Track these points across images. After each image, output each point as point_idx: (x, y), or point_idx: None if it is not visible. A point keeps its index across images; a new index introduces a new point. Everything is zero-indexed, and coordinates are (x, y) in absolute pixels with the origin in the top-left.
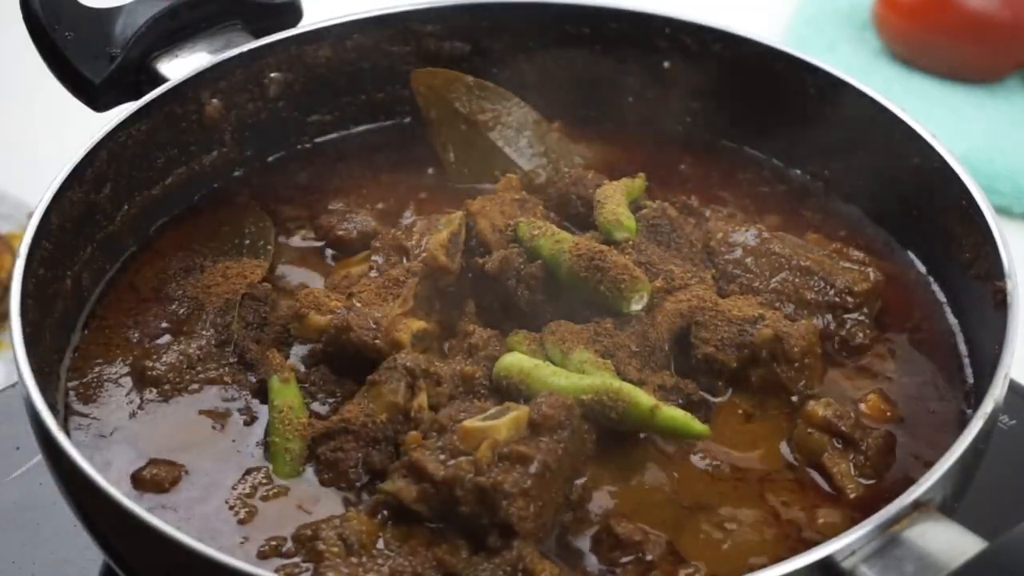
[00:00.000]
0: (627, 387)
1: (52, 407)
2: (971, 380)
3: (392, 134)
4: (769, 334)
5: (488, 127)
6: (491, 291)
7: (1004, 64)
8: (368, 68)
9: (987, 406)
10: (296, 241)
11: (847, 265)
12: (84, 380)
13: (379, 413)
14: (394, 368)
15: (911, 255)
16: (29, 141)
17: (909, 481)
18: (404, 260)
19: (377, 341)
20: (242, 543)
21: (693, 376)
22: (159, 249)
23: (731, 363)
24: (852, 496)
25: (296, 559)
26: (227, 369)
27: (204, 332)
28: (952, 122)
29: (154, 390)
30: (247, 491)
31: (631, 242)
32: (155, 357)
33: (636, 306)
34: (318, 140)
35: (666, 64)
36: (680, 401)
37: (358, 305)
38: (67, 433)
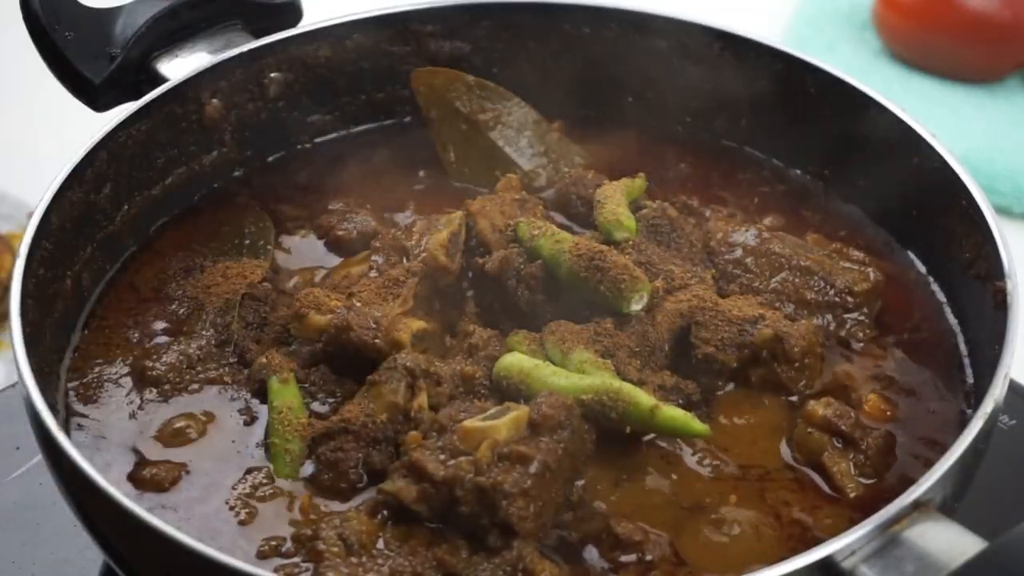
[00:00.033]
0: (627, 387)
1: (52, 407)
2: (971, 380)
3: (392, 134)
4: (769, 334)
5: (488, 127)
6: (491, 291)
7: (1004, 64)
8: (368, 68)
9: (987, 406)
10: (296, 241)
11: (847, 265)
12: (84, 380)
13: (379, 413)
14: (394, 368)
15: (911, 255)
16: (29, 141)
17: (909, 481)
18: (404, 260)
19: (377, 341)
20: (242, 543)
21: (693, 376)
22: (159, 249)
23: (731, 363)
24: (852, 496)
25: (296, 559)
26: (227, 369)
27: (204, 332)
28: (952, 122)
29: (154, 390)
30: (247, 491)
31: (631, 242)
32: (155, 357)
33: (636, 306)
34: (318, 140)
35: (665, 64)
36: (680, 401)
37: (358, 305)
38: (67, 433)
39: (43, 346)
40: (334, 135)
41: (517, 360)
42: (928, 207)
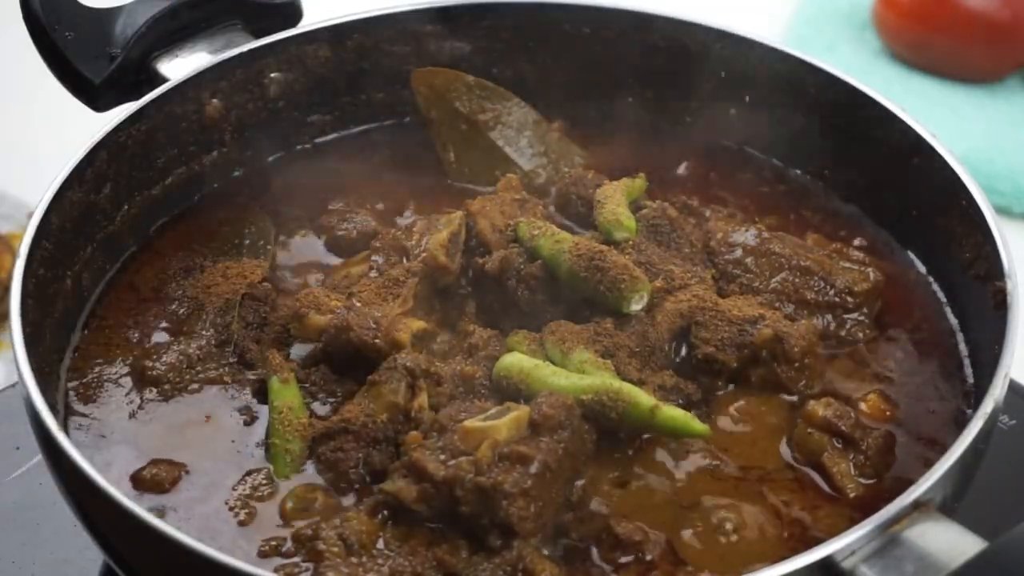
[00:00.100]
0: (627, 387)
1: (52, 407)
2: (971, 380)
3: (392, 134)
4: (769, 334)
5: (488, 127)
6: (491, 291)
7: (1004, 64)
8: (368, 68)
9: (987, 406)
10: (296, 241)
11: (847, 265)
12: (84, 380)
13: (379, 413)
14: (394, 368)
15: (911, 255)
16: (29, 141)
17: (909, 481)
18: (404, 260)
19: (377, 341)
20: (242, 543)
21: (693, 376)
22: (159, 249)
23: (731, 363)
24: (852, 496)
25: (296, 559)
26: (227, 369)
27: (204, 332)
28: (952, 122)
29: (154, 390)
30: (247, 491)
31: (631, 242)
32: (155, 357)
33: (636, 306)
34: (318, 140)
35: (665, 64)
36: (680, 401)
37: (358, 305)
38: (67, 433)
39: (43, 346)
40: (334, 135)
41: (517, 360)
42: (928, 207)
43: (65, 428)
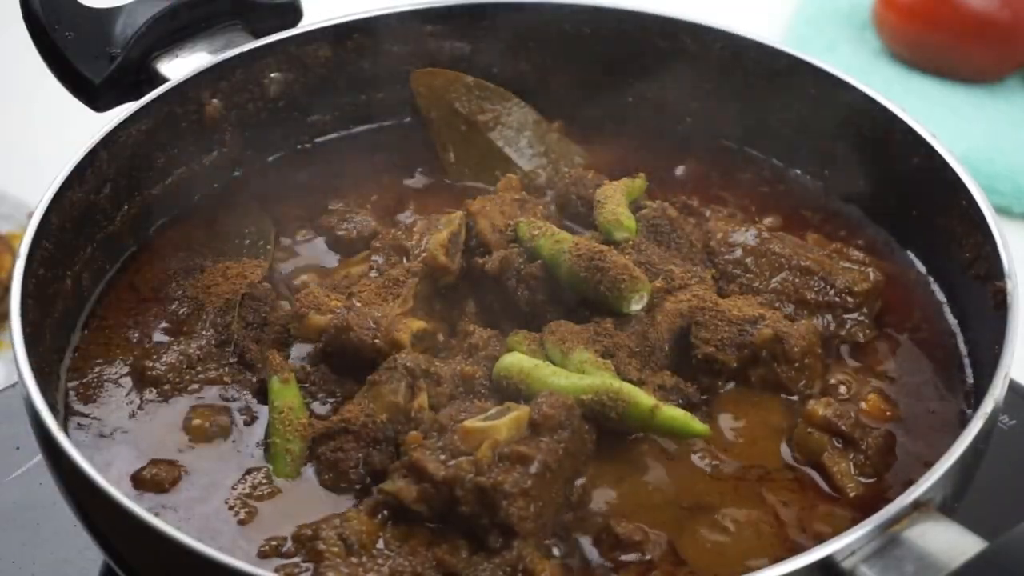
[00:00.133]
0: (627, 387)
1: (52, 407)
2: (971, 380)
3: (392, 134)
4: (769, 334)
5: (488, 127)
6: (491, 291)
7: (1004, 64)
8: (368, 68)
9: (987, 406)
10: (296, 241)
11: (847, 265)
12: (84, 380)
13: (379, 413)
14: (394, 368)
15: (911, 255)
16: (29, 141)
17: (909, 481)
18: (404, 260)
19: (377, 341)
20: (242, 543)
21: (693, 376)
22: (159, 249)
23: (731, 363)
24: (852, 496)
25: (296, 559)
26: (227, 369)
27: (204, 332)
28: (952, 122)
29: (154, 390)
30: (247, 491)
31: (631, 242)
32: (155, 357)
33: (636, 306)
34: (318, 140)
35: (665, 64)
36: (680, 401)
37: (358, 305)
38: (67, 433)
39: (43, 346)
40: (334, 135)
41: (517, 360)
42: (928, 207)
43: (65, 428)
